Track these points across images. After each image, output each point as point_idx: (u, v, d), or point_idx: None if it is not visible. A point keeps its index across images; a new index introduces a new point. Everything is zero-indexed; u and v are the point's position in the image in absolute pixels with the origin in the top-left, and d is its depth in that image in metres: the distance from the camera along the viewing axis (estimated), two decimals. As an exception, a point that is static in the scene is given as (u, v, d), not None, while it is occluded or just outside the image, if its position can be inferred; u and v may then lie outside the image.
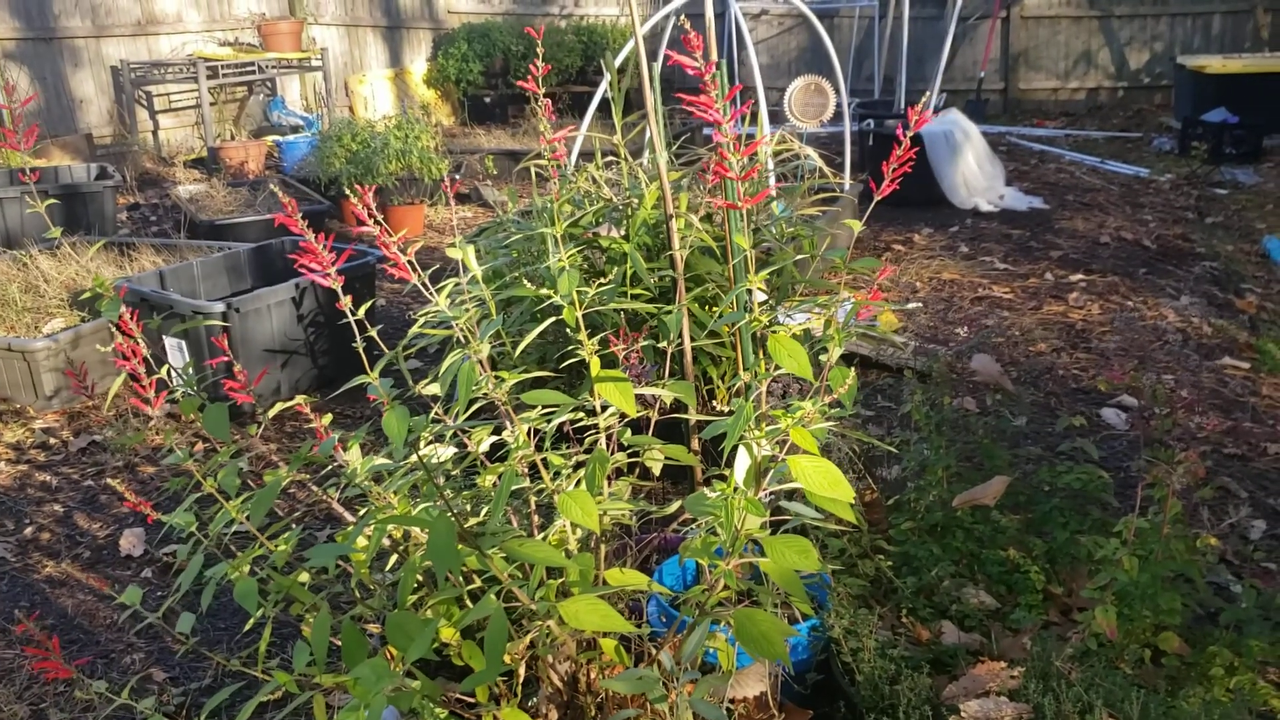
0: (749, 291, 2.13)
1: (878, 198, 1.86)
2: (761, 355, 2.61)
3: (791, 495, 2.35)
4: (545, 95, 2.01)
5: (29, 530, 3.53)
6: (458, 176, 8.24)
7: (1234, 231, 7.13)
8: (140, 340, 2.07)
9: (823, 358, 1.85)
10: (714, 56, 2.49)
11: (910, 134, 1.84)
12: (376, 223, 1.70)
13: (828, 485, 1.65)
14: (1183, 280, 5.86)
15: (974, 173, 7.74)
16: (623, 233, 3.56)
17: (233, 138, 9.65)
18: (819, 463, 1.66)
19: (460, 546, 1.83)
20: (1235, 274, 6.14)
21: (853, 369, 1.82)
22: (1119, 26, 11.63)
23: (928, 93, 2.20)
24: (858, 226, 1.85)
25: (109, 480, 2.16)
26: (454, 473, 2.30)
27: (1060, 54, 11.85)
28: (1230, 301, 5.58)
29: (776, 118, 7.50)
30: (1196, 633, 2.63)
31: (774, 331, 1.73)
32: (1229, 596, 2.86)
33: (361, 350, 2.03)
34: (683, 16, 1.87)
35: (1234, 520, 3.36)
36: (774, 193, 4.63)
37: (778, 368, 1.74)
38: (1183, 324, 5.10)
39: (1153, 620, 2.49)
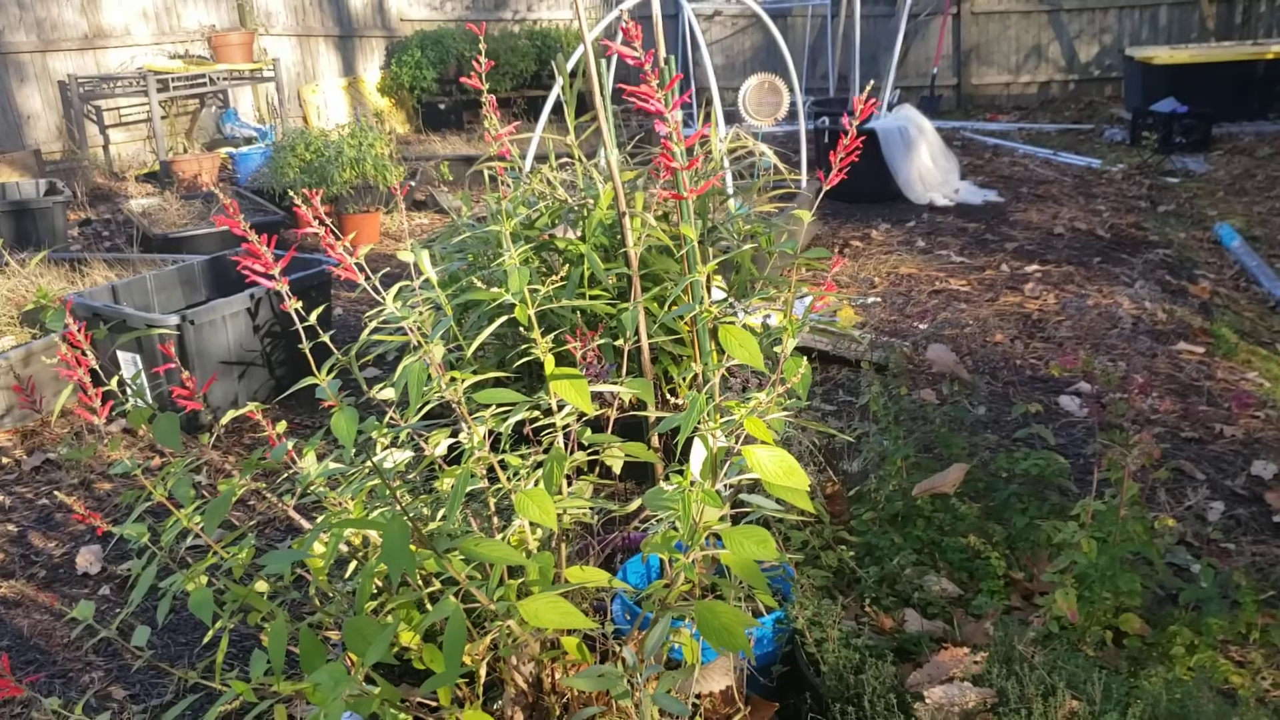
0: (705, 285, 2.13)
1: (826, 188, 1.87)
2: (714, 347, 2.61)
3: (753, 489, 2.36)
4: (500, 100, 2.00)
5: (-18, 551, 3.46)
6: (413, 183, 8.19)
7: (1186, 219, 7.22)
8: (89, 353, 2.03)
9: (777, 349, 1.85)
10: (662, 53, 2.49)
11: (857, 124, 1.85)
12: (322, 223, 1.68)
13: (783, 474, 1.65)
14: (1137, 268, 5.93)
15: (929, 168, 7.79)
16: (579, 234, 3.55)
17: (185, 151, 9.55)
18: (774, 452, 1.66)
19: (417, 549, 1.81)
20: (1188, 260, 6.22)
21: (805, 360, 1.82)
22: (1068, 20, 11.77)
23: (872, 82, 2.21)
24: (807, 217, 1.85)
25: (63, 497, 2.12)
26: (411, 477, 2.28)
27: (1011, 48, 11.97)
28: (1184, 288, 5.65)
29: (732, 117, 7.52)
30: (1157, 613, 2.65)
31: (727, 323, 1.73)
32: (1189, 577, 2.89)
33: (314, 357, 2.01)
34: (628, 16, 1.87)
35: (1192, 502, 3.39)
36: (730, 190, 4.64)
37: (731, 359, 1.74)
38: (1137, 310, 5.16)
39: (1113, 602, 2.52)
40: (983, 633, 2.44)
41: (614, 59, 5.48)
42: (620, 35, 1.78)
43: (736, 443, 1.79)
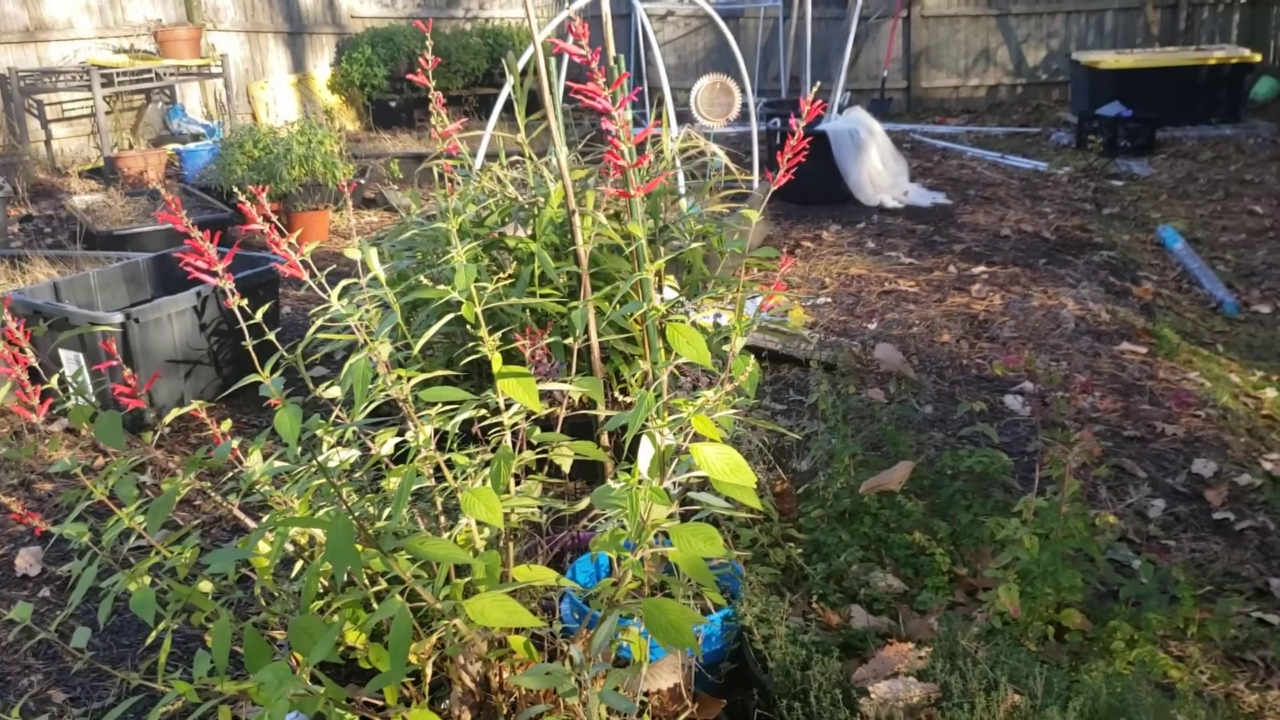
0: (656, 283, 2.13)
1: (774, 188, 1.88)
2: (663, 345, 2.62)
3: (702, 486, 2.37)
4: (452, 98, 2.00)
5: (-82, 553, 3.39)
6: (363, 181, 8.13)
7: (1130, 221, 7.35)
8: (29, 350, 2.00)
9: (726, 348, 1.86)
10: (611, 53, 2.49)
11: (808, 126, 1.86)
12: (269, 221, 1.67)
13: (730, 471, 1.66)
14: (1081, 270, 6.02)
15: (879, 170, 7.86)
16: (529, 232, 3.54)
17: (131, 147, 9.40)
18: (722, 449, 1.67)
19: (363, 548, 1.80)
20: (1132, 262, 6.33)
21: (754, 359, 1.84)
22: (1016, 24, 11.92)
23: (818, 84, 2.22)
24: (755, 217, 1.86)
25: (1, 497, 2.09)
26: (358, 476, 2.26)
27: (960, 52, 12.10)
28: (1127, 289, 5.74)
29: (684, 118, 7.54)
30: (1098, 608, 2.70)
31: (675, 321, 1.74)
32: (1129, 573, 2.94)
33: (260, 355, 1.99)
34: (579, 16, 1.87)
35: (1134, 499, 3.46)
36: (682, 190, 4.65)
37: (679, 357, 1.75)
38: (1082, 312, 5.24)
39: (1055, 597, 2.56)
40: (927, 628, 2.47)
41: (565, 58, 5.48)
42: (577, 25, 1.79)
43: (685, 440, 1.80)
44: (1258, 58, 10.17)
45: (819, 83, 2.17)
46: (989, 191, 8.06)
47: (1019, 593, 2.43)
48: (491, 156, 5.00)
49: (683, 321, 1.80)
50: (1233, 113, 10.07)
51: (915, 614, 2.56)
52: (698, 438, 1.76)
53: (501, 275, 2.25)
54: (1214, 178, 8.39)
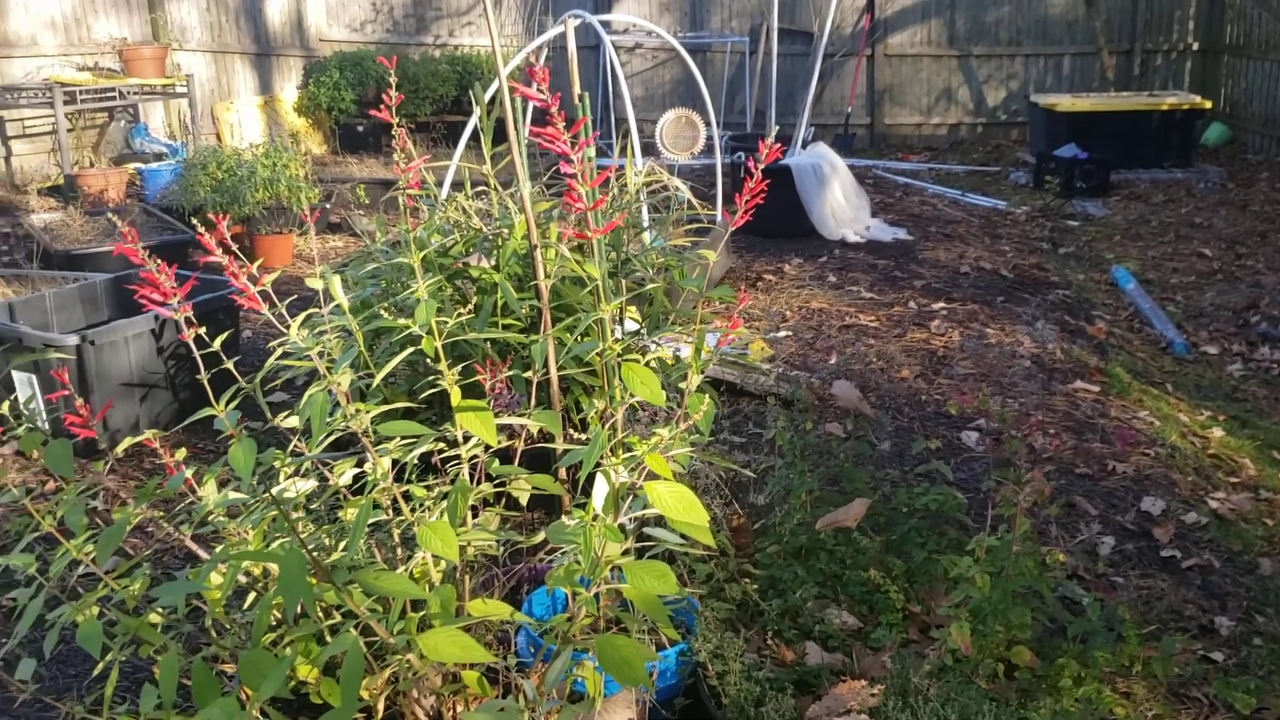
0: (617, 320, 2.15)
1: (733, 227, 1.91)
2: (619, 382, 2.63)
3: (657, 522, 2.38)
4: (419, 124, 2.01)
5: None
6: (329, 205, 8.10)
7: (1085, 261, 7.47)
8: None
9: (682, 385, 1.88)
10: (576, 90, 2.52)
11: (762, 166, 1.90)
12: (226, 250, 1.67)
13: (683, 509, 1.67)
14: (1037, 308, 6.11)
15: (841, 205, 7.94)
16: (493, 263, 3.55)
17: (92, 165, 9.32)
18: (674, 488, 1.69)
19: (317, 582, 1.80)
20: (1086, 302, 6.43)
21: (708, 395, 1.86)
22: (977, 65, 12.11)
23: (777, 128, 2.26)
24: (713, 257, 1.89)
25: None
26: (315, 506, 2.26)
27: (923, 90, 12.28)
28: (1082, 328, 5.83)
29: (650, 149, 7.60)
30: (1047, 645, 2.73)
31: (630, 359, 1.76)
32: (1079, 610, 2.98)
33: (218, 382, 1.98)
34: (533, 53, 1.89)
35: (1084, 537, 3.50)
36: (646, 223, 4.68)
37: (634, 395, 1.77)
38: (1037, 350, 5.31)
39: (1005, 635, 2.59)
40: (880, 665, 2.49)
41: (533, 87, 5.49)
42: (540, 65, 1.81)
43: (639, 478, 1.81)
44: (1208, 104, 10.40)
45: (778, 126, 2.21)
46: (949, 228, 8.17)
47: (970, 630, 2.46)
48: (457, 185, 5.01)
49: (640, 358, 1.82)
50: (1184, 157, 10.27)
51: (869, 651, 2.58)
52: (652, 475, 1.78)
53: (463, 309, 2.26)
54: (1165, 220, 8.56)
